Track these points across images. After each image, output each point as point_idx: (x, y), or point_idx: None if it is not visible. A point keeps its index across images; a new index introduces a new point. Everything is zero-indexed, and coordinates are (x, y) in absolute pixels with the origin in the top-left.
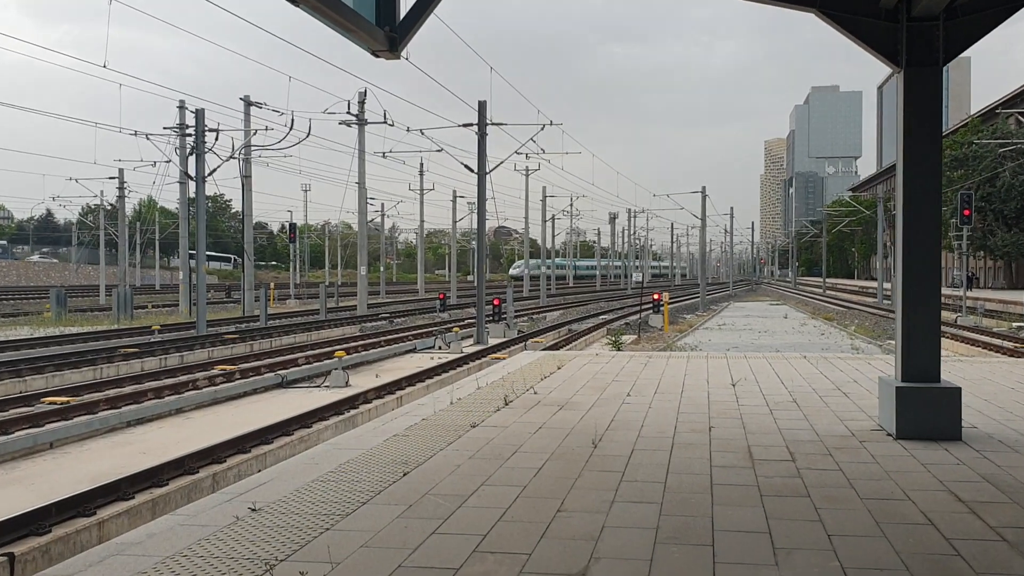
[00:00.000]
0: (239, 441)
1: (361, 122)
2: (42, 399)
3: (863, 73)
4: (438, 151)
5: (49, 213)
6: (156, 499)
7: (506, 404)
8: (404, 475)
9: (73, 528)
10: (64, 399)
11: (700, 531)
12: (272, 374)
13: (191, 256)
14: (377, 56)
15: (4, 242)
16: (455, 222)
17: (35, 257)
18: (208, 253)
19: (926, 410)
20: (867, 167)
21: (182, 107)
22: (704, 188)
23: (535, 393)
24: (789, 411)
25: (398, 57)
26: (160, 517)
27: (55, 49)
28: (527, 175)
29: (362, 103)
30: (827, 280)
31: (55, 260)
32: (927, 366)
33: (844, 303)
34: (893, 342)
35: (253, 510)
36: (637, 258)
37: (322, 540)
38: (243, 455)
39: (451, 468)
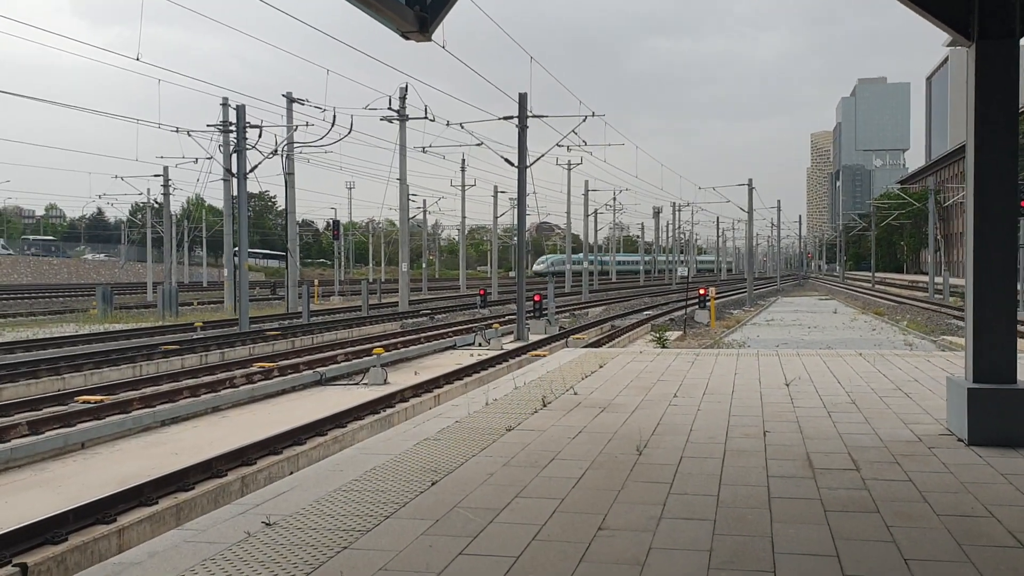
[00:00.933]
0: (271, 442)
1: (402, 118)
2: (75, 398)
3: (911, 65)
4: (478, 145)
5: (100, 212)
6: (181, 504)
7: (544, 406)
8: (433, 484)
9: (91, 536)
10: (98, 398)
11: (759, 554)
12: (311, 372)
13: (236, 253)
14: (407, 38)
15: (50, 239)
16: (496, 217)
17: (88, 255)
18: (258, 251)
19: (1002, 414)
20: (915, 160)
21: (225, 104)
22: (751, 180)
23: (575, 394)
24: (848, 413)
25: (428, 39)
26: (167, 532)
27: (91, 43)
28: (569, 169)
29: (403, 98)
30: (876, 274)
31: (102, 257)
32: (1002, 366)
33: (894, 298)
34: (949, 338)
35: (267, 524)
36: (682, 252)
37: (337, 562)
38: (274, 456)
39: (483, 477)
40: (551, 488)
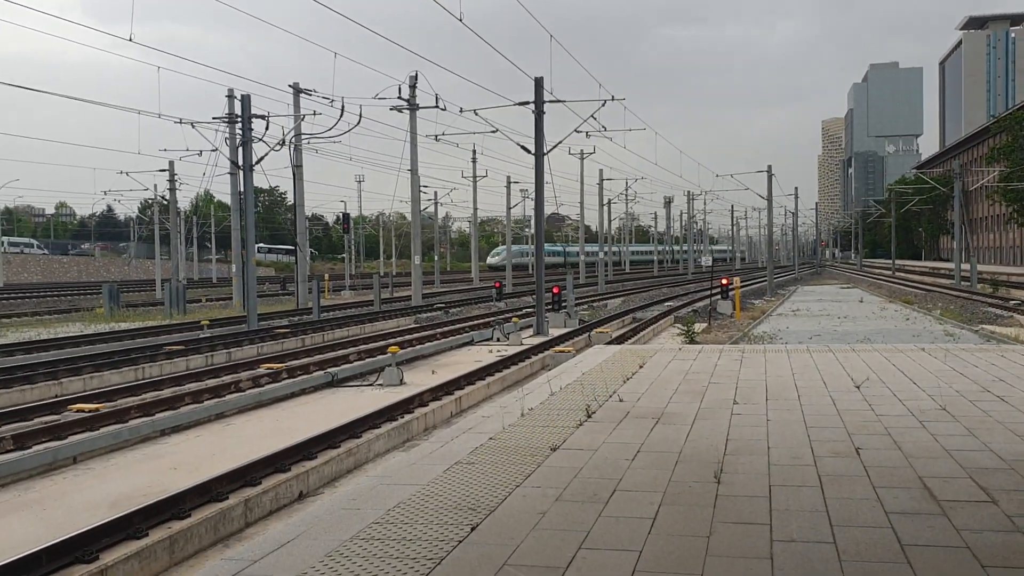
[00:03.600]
0: (278, 457)
1: (413, 107)
2: (69, 407)
3: (923, 49)
4: (492, 132)
5: (109, 209)
6: (175, 536)
7: (589, 416)
8: (473, 529)
9: None
10: (93, 407)
11: None
12: (322, 372)
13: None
14: None
15: (35, 240)
16: (509, 208)
17: (97, 253)
18: (269, 245)
19: None
20: (929, 146)
21: (230, 96)
22: (770, 167)
23: (621, 400)
24: (944, 423)
25: None
26: None
27: (91, 28)
28: (583, 158)
29: (413, 87)
30: (895, 262)
31: (98, 255)
32: None
33: (919, 285)
34: (990, 327)
35: None
36: (696, 242)
37: None
38: (281, 475)
39: (533, 518)
40: (621, 534)
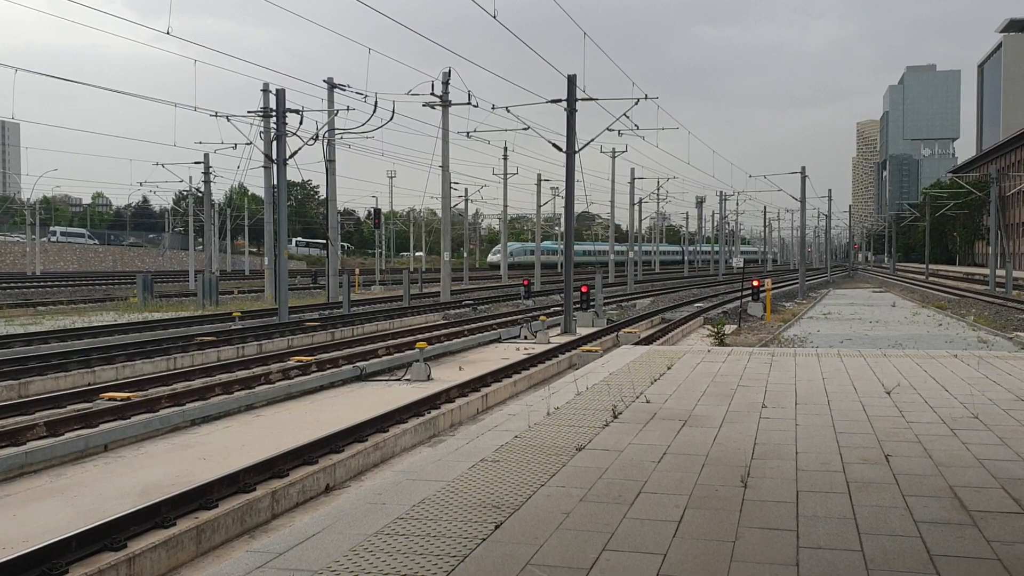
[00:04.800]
0: (305, 450)
1: (445, 103)
2: (101, 395)
3: (961, 52)
4: (524, 129)
5: (145, 200)
6: (202, 525)
7: (615, 417)
8: (496, 528)
9: (95, 567)
10: (124, 395)
11: None
12: (350, 366)
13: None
14: None
15: (87, 231)
16: (540, 206)
17: (165, 241)
18: (302, 240)
19: None
20: (965, 149)
21: (265, 90)
22: (803, 169)
23: (648, 402)
24: (976, 431)
25: None
26: None
27: (129, 20)
28: (614, 156)
29: (446, 83)
30: (928, 266)
31: (165, 244)
32: None
33: (952, 291)
34: None
35: None
36: (728, 243)
37: None
38: (309, 467)
39: (557, 518)
40: (646, 537)
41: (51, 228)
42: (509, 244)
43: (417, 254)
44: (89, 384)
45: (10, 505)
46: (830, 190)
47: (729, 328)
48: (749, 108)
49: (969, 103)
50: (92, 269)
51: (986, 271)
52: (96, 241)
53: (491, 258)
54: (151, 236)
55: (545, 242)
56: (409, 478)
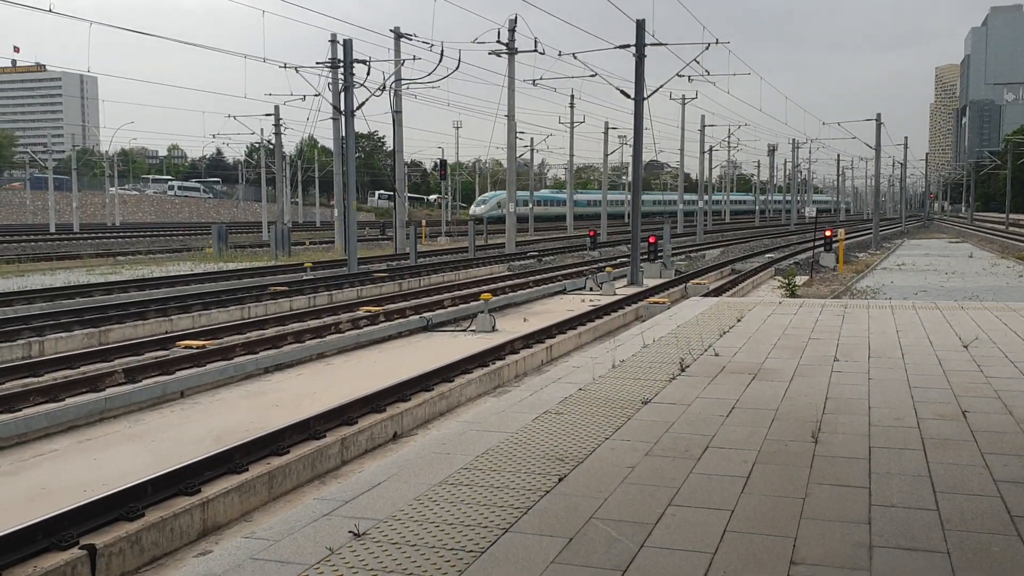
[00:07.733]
0: (374, 398)
1: (511, 51)
2: (177, 343)
3: None
4: (591, 76)
5: (219, 152)
6: (274, 471)
7: (682, 370)
8: (560, 480)
9: (171, 511)
10: (200, 343)
11: None
12: (417, 317)
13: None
14: None
15: (200, 184)
16: (607, 155)
17: (208, 194)
18: (384, 192)
19: None
20: None
21: (333, 41)
22: (879, 115)
23: (716, 355)
24: None
25: None
26: (233, 539)
27: None
28: (684, 103)
29: (512, 31)
30: (1009, 216)
31: (209, 196)
32: None
33: None
34: None
35: (355, 535)
36: (800, 192)
37: None
38: (377, 415)
39: (622, 472)
40: (713, 492)
41: (169, 183)
42: (496, 194)
43: None
44: (166, 332)
45: (90, 449)
46: (906, 138)
47: (800, 279)
48: (824, 53)
49: None
50: (169, 220)
51: None
52: (210, 194)
53: (474, 209)
54: (222, 187)
55: (578, 194)
56: (474, 428)
